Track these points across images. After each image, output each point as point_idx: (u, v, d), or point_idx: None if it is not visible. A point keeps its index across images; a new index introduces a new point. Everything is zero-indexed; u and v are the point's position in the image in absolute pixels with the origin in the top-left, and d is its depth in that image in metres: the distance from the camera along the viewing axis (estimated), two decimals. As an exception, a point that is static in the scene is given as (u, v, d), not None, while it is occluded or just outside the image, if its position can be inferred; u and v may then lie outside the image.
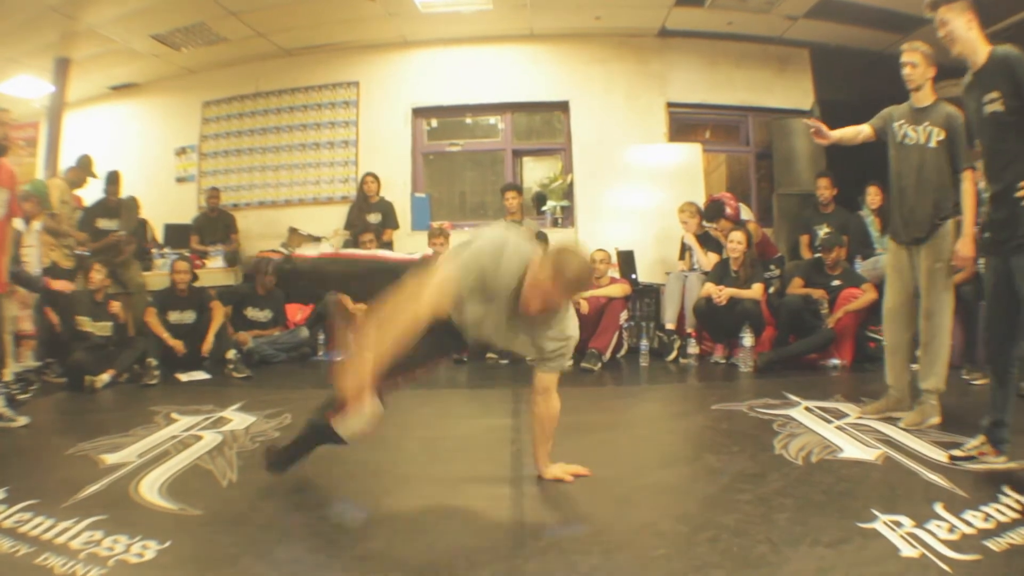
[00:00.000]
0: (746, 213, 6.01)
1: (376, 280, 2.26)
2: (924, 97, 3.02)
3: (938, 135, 2.95)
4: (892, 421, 3.03)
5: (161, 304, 4.93)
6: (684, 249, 5.51)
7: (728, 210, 5.44)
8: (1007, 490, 2.14)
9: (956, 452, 2.44)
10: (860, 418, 3.12)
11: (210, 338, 4.80)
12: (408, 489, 2.44)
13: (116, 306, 4.72)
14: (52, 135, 6.53)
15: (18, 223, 4.34)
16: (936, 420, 2.97)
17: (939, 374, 2.99)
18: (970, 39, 2.38)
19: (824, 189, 5.38)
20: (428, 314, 2.01)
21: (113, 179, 5.89)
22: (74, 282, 4.95)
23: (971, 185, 2.89)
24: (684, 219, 5.37)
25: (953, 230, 2.95)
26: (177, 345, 4.69)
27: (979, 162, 2.54)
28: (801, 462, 2.55)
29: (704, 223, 5.42)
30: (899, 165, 3.07)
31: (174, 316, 4.89)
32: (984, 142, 2.43)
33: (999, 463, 2.36)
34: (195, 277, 5.19)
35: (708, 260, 5.11)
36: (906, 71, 3.01)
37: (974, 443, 2.43)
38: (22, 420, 3.38)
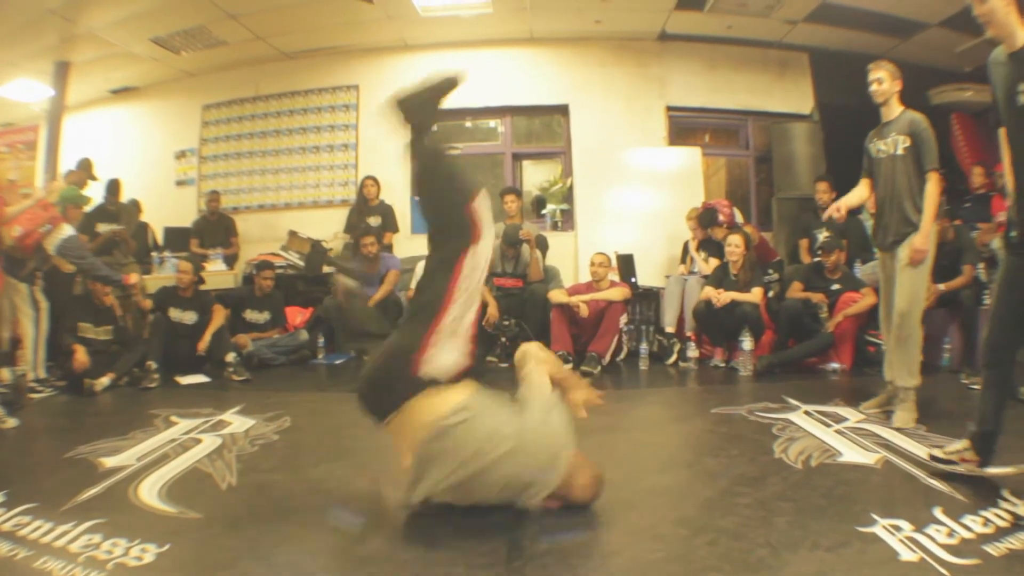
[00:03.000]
0: (739, 218, 6.01)
1: None
2: (891, 111, 3.15)
3: (904, 142, 3.07)
4: (891, 420, 3.07)
5: (163, 299, 4.94)
6: (686, 252, 5.52)
7: (720, 217, 5.44)
8: (1006, 495, 2.14)
9: (937, 452, 2.41)
10: (862, 416, 3.18)
11: (207, 337, 4.79)
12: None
13: (110, 299, 4.70)
14: (52, 138, 6.54)
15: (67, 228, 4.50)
16: (915, 414, 3.08)
17: (915, 371, 3.11)
18: (1008, 23, 2.29)
19: (823, 193, 5.38)
20: None
21: (113, 188, 5.91)
22: (74, 287, 4.95)
23: (935, 186, 3.02)
24: (693, 226, 5.39)
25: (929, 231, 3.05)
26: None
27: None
28: (800, 466, 2.55)
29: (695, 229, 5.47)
30: (877, 178, 3.23)
31: (175, 313, 4.89)
32: (1011, 131, 2.31)
33: (980, 472, 2.30)
34: (201, 280, 5.19)
35: (708, 266, 5.12)
36: (873, 87, 3.15)
37: (958, 446, 2.38)
38: (12, 422, 3.38)
